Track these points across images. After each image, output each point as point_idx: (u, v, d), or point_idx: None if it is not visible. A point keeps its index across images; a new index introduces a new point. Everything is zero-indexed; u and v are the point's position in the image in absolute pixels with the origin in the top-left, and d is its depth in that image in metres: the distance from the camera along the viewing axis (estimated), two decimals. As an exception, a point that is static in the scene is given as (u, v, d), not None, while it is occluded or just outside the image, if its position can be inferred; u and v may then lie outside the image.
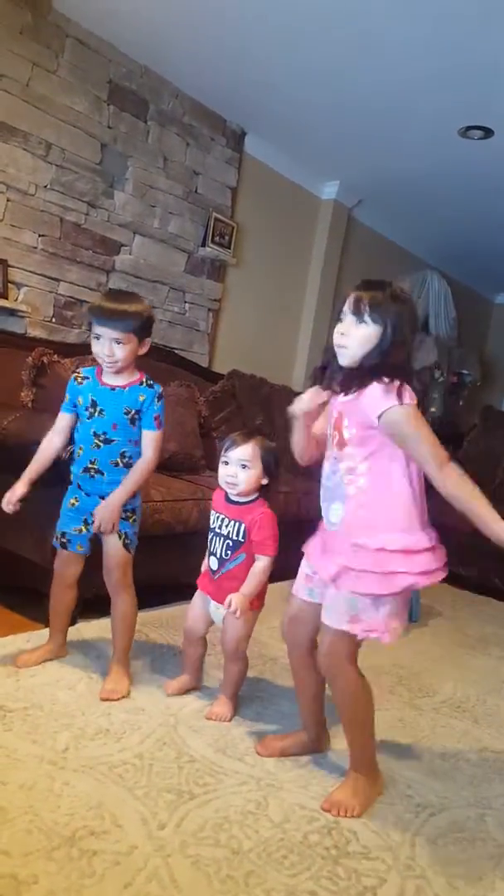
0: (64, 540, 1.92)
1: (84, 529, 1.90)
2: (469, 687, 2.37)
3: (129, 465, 1.85)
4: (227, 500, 1.84)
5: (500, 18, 2.61)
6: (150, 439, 1.86)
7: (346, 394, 1.45)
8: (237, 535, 1.80)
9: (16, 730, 1.58)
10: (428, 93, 3.24)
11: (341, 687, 1.54)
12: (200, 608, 1.91)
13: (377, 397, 1.39)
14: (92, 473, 1.86)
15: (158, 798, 1.42)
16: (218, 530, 1.84)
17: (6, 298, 2.97)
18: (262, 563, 1.78)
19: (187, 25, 3.02)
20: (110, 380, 1.85)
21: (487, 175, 4.02)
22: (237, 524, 1.80)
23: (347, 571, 1.44)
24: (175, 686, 1.92)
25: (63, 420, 1.91)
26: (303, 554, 1.63)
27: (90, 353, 3.10)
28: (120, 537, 1.86)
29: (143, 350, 1.85)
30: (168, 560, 2.52)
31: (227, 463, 1.80)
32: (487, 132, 3.51)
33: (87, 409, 1.85)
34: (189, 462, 3.19)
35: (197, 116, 3.75)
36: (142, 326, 1.80)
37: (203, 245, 3.90)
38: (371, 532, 1.43)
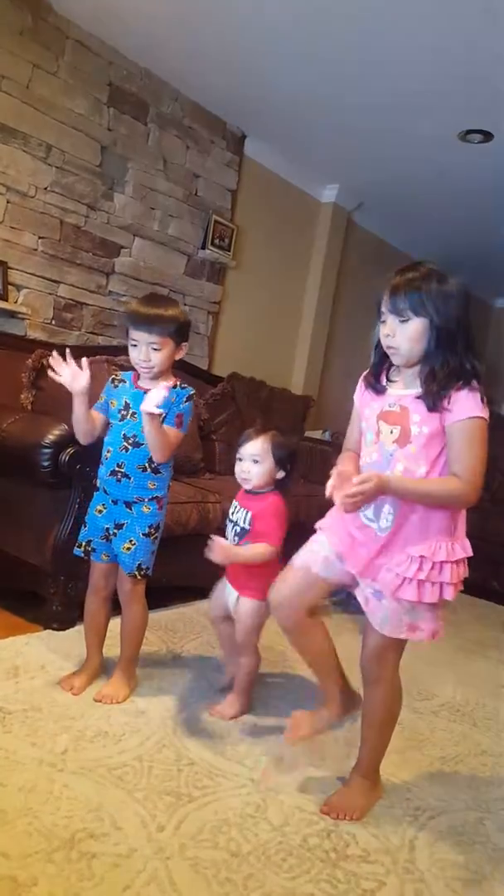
0: (89, 549, 1.86)
1: (107, 539, 1.84)
2: (468, 690, 2.37)
3: (156, 472, 1.81)
4: (246, 491, 1.92)
5: (501, 22, 2.61)
6: (170, 431, 1.78)
7: (425, 398, 1.36)
8: (244, 522, 1.86)
9: (15, 732, 1.58)
10: (428, 97, 3.25)
11: (383, 691, 1.51)
12: (220, 593, 1.96)
13: (470, 406, 1.33)
14: (119, 477, 1.81)
15: (158, 800, 1.42)
16: (231, 517, 1.91)
17: (6, 300, 2.97)
18: (260, 548, 1.79)
19: (188, 28, 3.03)
20: (145, 383, 1.82)
21: (487, 179, 4.02)
22: (245, 512, 1.86)
23: (408, 582, 1.39)
24: (225, 679, 2.00)
25: (96, 416, 1.85)
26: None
27: (90, 355, 3.12)
28: (139, 570, 1.82)
29: (180, 355, 1.82)
30: (167, 563, 2.50)
31: (241, 459, 1.87)
32: (487, 136, 3.52)
33: (119, 412, 1.82)
34: (188, 465, 3.19)
35: (197, 119, 3.76)
36: (178, 330, 1.78)
37: (203, 248, 3.91)
38: (424, 540, 1.39)
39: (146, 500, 1.83)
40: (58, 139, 3.11)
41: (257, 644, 1.90)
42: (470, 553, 1.44)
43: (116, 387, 1.86)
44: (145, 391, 1.79)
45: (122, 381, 1.86)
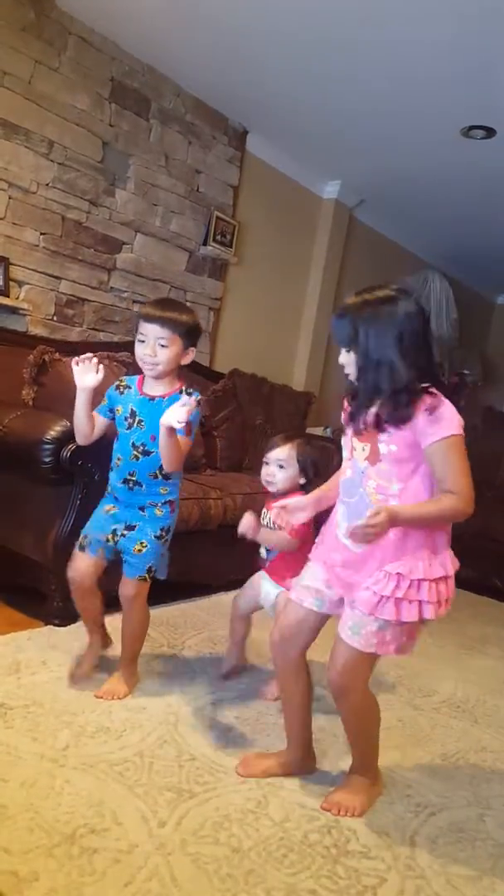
0: (84, 542, 1.84)
1: (111, 539, 1.83)
2: (468, 687, 2.37)
3: (167, 477, 1.81)
4: (272, 495, 2.00)
5: (503, 18, 2.60)
6: (180, 439, 1.76)
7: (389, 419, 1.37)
8: (272, 524, 1.90)
9: (16, 727, 1.59)
10: (430, 92, 3.24)
11: (353, 703, 1.50)
12: (253, 589, 2.04)
13: (438, 427, 1.33)
14: (131, 486, 1.81)
15: (159, 796, 1.42)
16: (262, 521, 1.97)
17: (8, 296, 2.97)
18: (282, 535, 1.85)
19: (189, 24, 3.02)
20: (150, 389, 1.81)
21: (489, 175, 4.02)
22: (269, 514, 1.92)
23: (384, 600, 1.38)
24: (229, 672, 2.09)
25: (97, 419, 1.85)
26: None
27: (91, 351, 3.12)
28: (149, 572, 1.82)
29: (187, 359, 1.80)
30: (169, 559, 2.51)
31: (267, 463, 1.96)
32: (490, 132, 3.51)
33: (126, 420, 1.81)
34: (189, 461, 3.18)
35: (199, 115, 3.75)
36: (187, 332, 1.77)
37: (204, 244, 3.90)
38: (401, 557, 1.39)
39: (159, 504, 1.84)
40: (60, 135, 3.11)
41: None
42: (450, 572, 1.42)
43: (122, 393, 1.85)
44: (151, 398, 1.80)
45: (128, 386, 1.85)
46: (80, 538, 1.87)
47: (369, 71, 3.14)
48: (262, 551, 2.00)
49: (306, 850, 1.35)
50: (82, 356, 1.76)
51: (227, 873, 1.24)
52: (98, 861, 1.21)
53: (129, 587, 1.83)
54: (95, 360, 1.77)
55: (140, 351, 1.77)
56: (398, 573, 1.38)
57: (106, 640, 1.99)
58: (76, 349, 3.09)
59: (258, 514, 2.03)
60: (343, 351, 1.41)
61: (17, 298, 3.05)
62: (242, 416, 3.80)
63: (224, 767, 1.58)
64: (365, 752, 1.56)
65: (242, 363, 4.08)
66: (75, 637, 2.08)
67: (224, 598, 2.84)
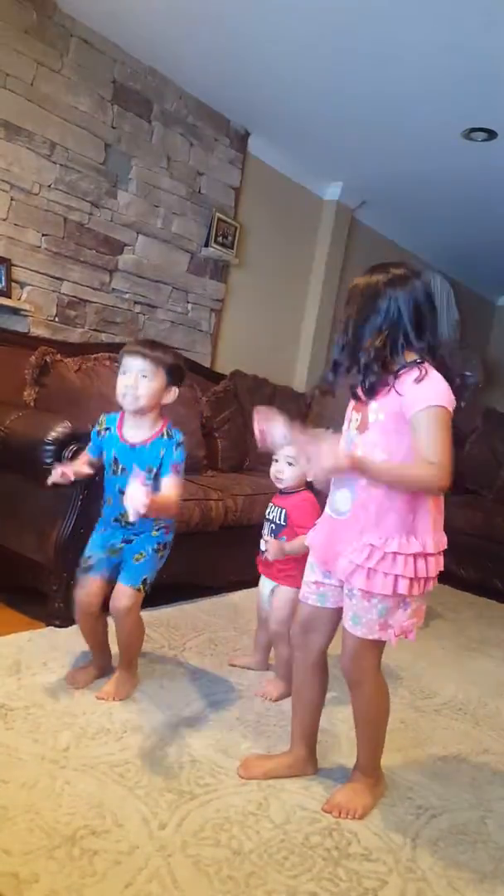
0: (90, 563, 1.83)
1: (113, 554, 1.84)
2: (470, 689, 2.37)
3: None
4: (280, 492, 2.08)
5: (505, 20, 2.61)
6: (170, 482, 1.77)
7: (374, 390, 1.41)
8: (279, 519, 2.02)
9: (17, 728, 1.58)
10: (432, 95, 3.24)
11: (366, 692, 1.52)
12: (262, 591, 2.11)
13: (424, 395, 1.35)
14: (123, 524, 1.81)
15: (159, 798, 1.42)
16: (267, 516, 2.07)
17: (9, 297, 2.97)
18: (301, 539, 1.86)
19: (192, 26, 3.02)
20: (131, 432, 1.79)
21: (491, 177, 4.01)
22: (280, 510, 2.03)
23: (359, 570, 1.41)
24: (240, 661, 2.19)
25: (86, 457, 1.86)
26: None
27: (93, 352, 3.13)
28: (143, 583, 1.81)
29: (169, 398, 1.79)
30: (169, 560, 2.51)
31: (276, 460, 2.03)
32: (491, 134, 3.51)
33: (111, 465, 1.81)
34: (191, 462, 3.18)
35: (201, 117, 3.75)
36: (170, 369, 1.77)
37: (206, 245, 3.90)
38: (381, 531, 1.40)
39: (154, 528, 1.85)
40: (62, 137, 3.11)
41: (289, 632, 1.93)
42: (430, 550, 1.41)
43: (102, 437, 1.84)
44: (132, 445, 1.78)
45: (108, 428, 1.83)
46: (84, 562, 1.85)
47: (371, 73, 3.14)
48: (263, 544, 2.04)
49: (307, 852, 1.34)
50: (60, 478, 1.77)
51: (227, 875, 1.24)
52: (98, 863, 1.21)
53: (122, 597, 1.79)
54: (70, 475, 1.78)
55: (121, 383, 1.74)
56: (371, 544, 1.40)
57: (109, 662, 1.94)
58: (78, 350, 3.10)
59: (262, 512, 2.07)
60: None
61: (19, 299, 3.05)
62: (243, 418, 3.79)
63: (225, 769, 1.58)
64: (371, 748, 1.56)
65: (244, 364, 4.08)
66: (76, 638, 2.08)
67: (225, 600, 2.84)
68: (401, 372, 1.38)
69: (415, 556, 1.40)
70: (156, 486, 1.75)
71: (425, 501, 1.42)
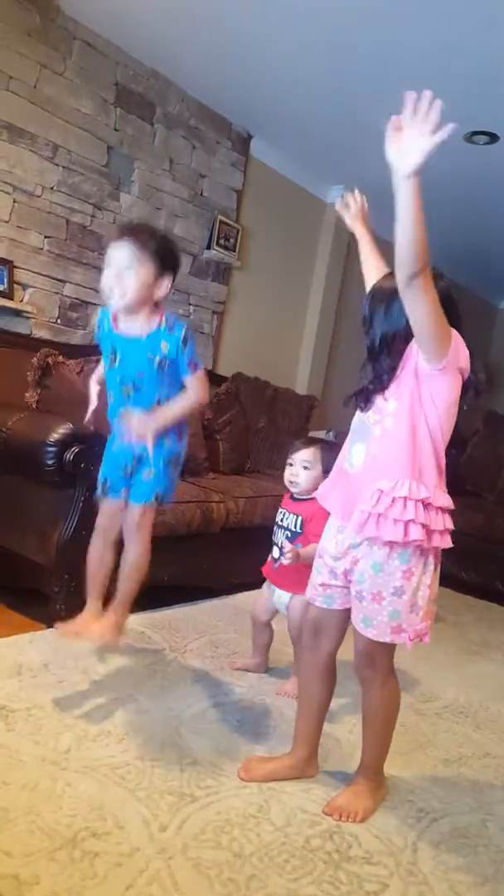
0: (106, 488, 1.78)
1: (127, 472, 1.76)
2: (471, 692, 2.37)
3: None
4: (291, 497, 2.06)
5: (508, 24, 2.61)
6: (191, 383, 1.69)
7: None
8: (295, 526, 2.00)
9: (18, 730, 1.58)
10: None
11: (379, 694, 1.52)
12: (265, 597, 2.11)
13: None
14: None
15: (160, 800, 1.42)
16: (280, 523, 2.05)
17: (12, 299, 2.98)
18: (315, 547, 1.85)
19: (194, 29, 3.03)
20: (126, 325, 1.65)
21: (492, 180, 4.02)
22: (295, 517, 2.00)
23: (370, 518, 1.39)
24: (239, 663, 2.18)
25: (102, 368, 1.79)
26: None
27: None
28: (157, 498, 1.74)
29: (161, 290, 1.61)
30: (171, 562, 2.52)
31: (291, 464, 2.02)
32: (493, 138, 3.52)
33: (109, 356, 1.70)
34: (192, 464, 3.19)
35: (203, 119, 3.76)
36: (159, 252, 1.56)
37: (208, 248, 3.91)
38: (391, 476, 1.38)
39: (165, 439, 1.73)
40: (64, 139, 3.12)
41: None
42: (439, 503, 1.40)
43: (99, 330, 1.75)
44: (127, 337, 1.67)
45: (102, 321, 1.73)
46: (100, 485, 1.80)
47: (373, 76, 3.15)
48: (276, 552, 2.04)
49: (308, 855, 1.34)
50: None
51: (228, 878, 1.23)
52: (99, 865, 1.20)
53: (134, 514, 1.74)
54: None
55: (105, 278, 1.58)
56: (379, 489, 1.38)
57: (101, 613, 1.85)
58: (80, 352, 3.11)
59: (263, 515, 2.06)
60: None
61: (22, 301, 3.06)
62: (245, 420, 3.80)
63: (225, 771, 1.58)
64: (376, 750, 1.56)
65: (245, 366, 4.08)
66: (77, 639, 2.08)
67: (226, 602, 2.83)
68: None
69: (424, 502, 1.37)
70: (169, 372, 1.67)
71: (431, 457, 1.41)
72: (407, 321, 1.35)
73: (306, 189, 4.55)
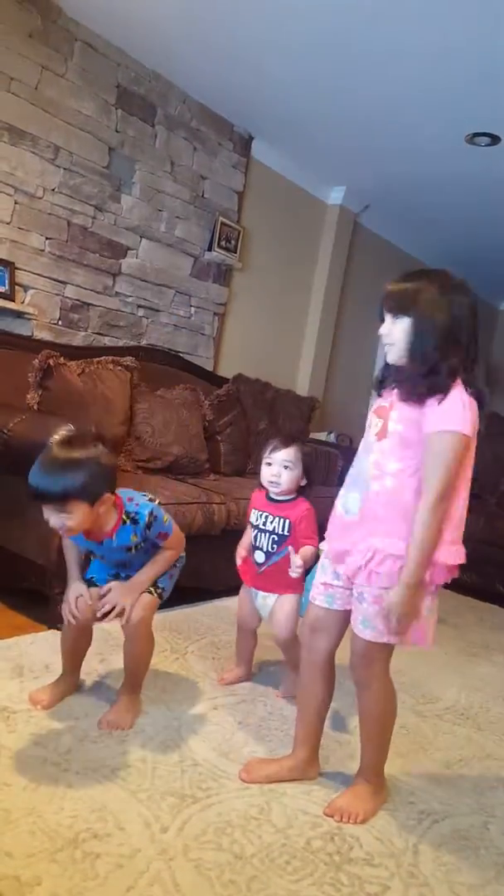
0: (92, 581, 1.78)
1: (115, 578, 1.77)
2: (472, 694, 2.36)
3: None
4: (269, 498, 1.99)
5: (509, 26, 2.61)
6: (166, 546, 1.74)
7: (408, 395, 1.39)
8: (282, 529, 1.95)
9: (19, 731, 1.58)
10: (435, 100, 3.24)
11: (374, 695, 1.52)
12: (248, 602, 2.06)
13: (443, 417, 1.34)
14: (120, 579, 1.77)
15: (161, 801, 1.42)
16: (263, 527, 1.98)
17: (13, 300, 2.98)
18: (311, 550, 1.89)
19: (196, 30, 3.03)
20: (93, 535, 1.67)
21: (494, 182, 4.02)
22: (282, 520, 1.95)
23: (362, 570, 1.42)
24: (229, 677, 2.09)
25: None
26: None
27: (96, 355, 3.14)
28: (154, 592, 1.74)
29: (103, 507, 1.58)
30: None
31: (270, 464, 1.96)
32: (494, 139, 3.52)
33: (89, 552, 1.76)
34: (193, 465, 3.20)
35: (204, 121, 3.76)
36: (86, 489, 1.52)
37: (209, 249, 3.91)
38: (386, 533, 1.39)
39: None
40: (66, 140, 3.12)
41: (297, 635, 1.95)
42: (445, 559, 1.39)
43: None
44: (99, 541, 1.68)
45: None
46: (87, 580, 1.79)
47: (374, 78, 3.15)
48: (260, 556, 1.99)
49: (309, 856, 1.34)
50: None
51: (229, 879, 1.23)
52: (100, 866, 1.20)
53: (136, 606, 1.71)
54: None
55: (45, 515, 1.57)
56: (374, 547, 1.40)
57: (76, 682, 1.85)
58: (81, 353, 3.11)
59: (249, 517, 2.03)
60: (389, 318, 1.42)
61: (23, 303, 3.06)
62: (246, 421, 3.80)
63: (226, 773, 1.58)
64: (375, 752, 1.56)
65: (246, 368, 4.09)
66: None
67: (227, 603, 2.83)
68: (434, 390, 1.36)
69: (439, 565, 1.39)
70: (148, 547, 1.72)
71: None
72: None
73: (307, 190, 4.55)
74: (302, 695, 1.64)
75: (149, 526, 1.67)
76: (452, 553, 1.41)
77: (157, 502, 1.72)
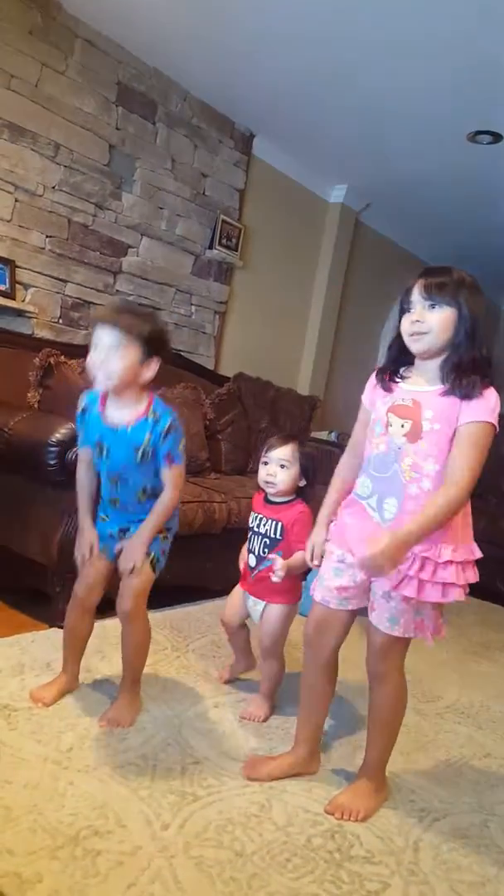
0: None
1: (111, 543, 1.75)
2: (473, 692, 2.37)
3: (154, 495, 1.69)
4: (266, 500, 1.90)
5: (510, 23, 2.61)
6: (167, 476, 1.68)
7: (454, 388, 1.36)
8: (274, 533, 1.85)
9: (21, 729, 1.59)
10: (437, 97, 3.24)
11: (390, 690, 1.51)
12: (238, 602, 1.97)
13: (483, 406, 1.34)
14: (117, 507, 1.73)
15: (162, 799, 1.42)
16: (256, 529, 1.90)
17: (14, 299, 2.98)
18: (301, 556, 1.77)
19: (196, 28, 3.03)
20: (113, 412, 1.65)
21: (495, 180, 4.02)
22: (274, 523, 1.86)
23: (410, 580, 1.40)
24: (227, 674, 2.05)
25: (85, 453, 1.75)
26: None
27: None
28: (148, 556, 1.69)
29: (149, 372, 1.60)
30: (173, 562, 2.51)
31: (266, 463, 1.88)
32: (496, 137, 3.52)
33: (95, 446, 1.69)
34: (194, 464, 3.19)
35: (205, 118, 3.76)
36: (147, 339, 1.56)
37: (210, 247, 3.91)
38: (431, 541, 1.38)
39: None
40: (66, 138, 3.12)
41: (282, 649, 1.92)
42: (476, 556, 1.44)
43: (85, 413, 1.71)
44: (114, 428, 1.64)
45: (89, 407, 1.71)
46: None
47: (376, 76, 3.15)
48: (252, 559, 1.91)
49: (309, 854, 1.34)
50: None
51: (230, 877, 1.24)
52: (101, 863, 1.21)
53: (125, 599, 1.69)
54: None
55: (90, 359, 1.57)
56: (425, 556, 1.38)
57: (76, 681, 1.84)
58: (82, 352, 3.11)
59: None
60: (425, 307, 1.38)
61: (23, 301, 3.06)
62: (247, 420, 3.80)
63: (228, 771, 1.58)
64: (382, 749, 1.55)
65: (247, 367, 4.09)
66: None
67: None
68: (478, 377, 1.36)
69: (463, 563, 1.41)
70: (154, 463, 1.66)
71: (467, 514, 1.44)
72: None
73: (308, 188, 4.55)
74: (305, 691, 1.63)
75: (166, 434, 1.62)
76: (474, 547, 1.45)
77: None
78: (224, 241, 3.96)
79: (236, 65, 3.31)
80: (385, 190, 4.56)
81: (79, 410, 1.73)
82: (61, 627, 2.17)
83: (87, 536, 1.74)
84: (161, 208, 3.62)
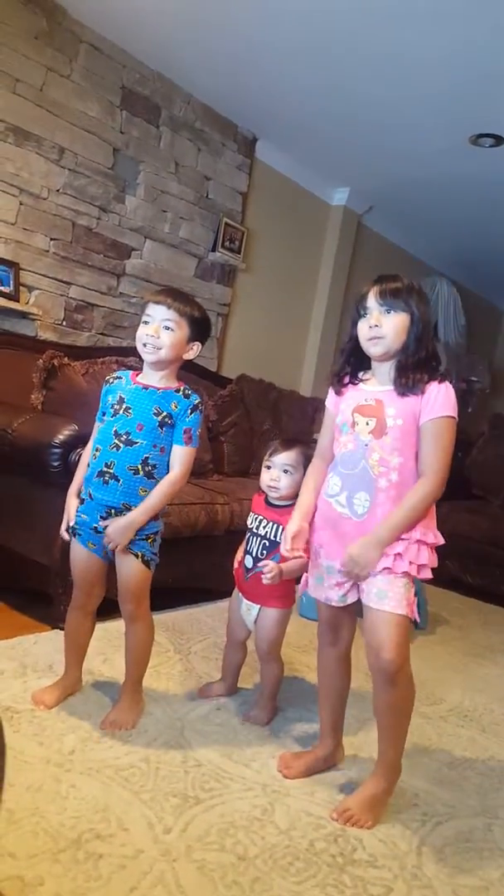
0: (74, 527, 1.72)
1: (96, 534, 1.70)
2: (476, 695, 2.36)
3: (149, 476, 1.66)
4: (267, 503, 1.89)
5: (513, 27, 2.61)
6: (178, 454, 1.68)
7: (397, 387, 1.47)
8: (274, 535, 1.83)
9: (23, 731, 1.59)
10: (439, 100, 3.24)
11: (403, 687, 1.49)
12: (237, 610, 1.93)
13: (441, 402, 1.44)
14: (106, 479, 1.65)
15: (164, 802, 1.42)
16: (255, 531, 1.88)
17: (18, 301, 2.99)
18: (298, 562, 1.73)
19: (200, 31, 3.04)
20: (147, 377, 1.71)
21: (498, 183, 4.02)
22: (274, 525, 1.84)
23: (385, 556, 1.44)
24: (214, 691, 1.98)
25: (96, 430, 1.75)
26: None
27: (100, 356, 3.14)
28: (137, 556, 1.69)
29: (190, 353, 1.71)
30: (176, 564, 2.52)
31: (269, 467, 1.87)
32: (498, 140, 3.52)
33: (112, 407, 1.69)
34: (197, 466, 3.18)
35: (209, 122, 3.77)
36: (196, 321, 1.69)
37: (213, 250, 3.92)
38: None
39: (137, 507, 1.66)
40: (70, 142, 3.13)
41: (279, 651, 1.91)
42: (441, 541, 1.49)
43: (111, 384, 1.74)
44: (144, 387, 1.68)
45: (119, 378, 1.74)
46: (70, 526, 1.75)
47: (378, 79, 3.15)
48: (249, 561, 1.87)
49: (312, 858, 1.34)
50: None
51: (232, 880, 1.23)
52: (103, 866, 1.20)
53: (128, 579, 1.68)
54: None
55: (142, 331, 1.66)
56: (400, 543, 1.45)
57: (78, 684, 1.84)
58: (85, 354, 3.11)
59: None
60: (381, 312, 1.48)
61: (27, 303, 3.07)
62: (250, 422, 3.80)
63: (230, 774, 1.58)
64: (395, 748, 1.53)
65: (250, 368, 4.09)
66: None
67: (230, 604, 2.83)
68: (430, 377, 1.47)
69: (430, 546, 1.48)
70: (164, 438, 1.68)
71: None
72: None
73: (311, 191, 4.55)
74: (325, 688, 1.68)
75: (192, 410, 1.69)
76: (437, 534, 1.51)
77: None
78: (227, 243, 3.96)
79: (239, 69, 3.32)
80: (387, 193, 4.56)
81: (106, 380, 1.78)
82: (63, 629, 2.18)
83: (75, 503, 1.75)
84: (164, 211, 3.63)
